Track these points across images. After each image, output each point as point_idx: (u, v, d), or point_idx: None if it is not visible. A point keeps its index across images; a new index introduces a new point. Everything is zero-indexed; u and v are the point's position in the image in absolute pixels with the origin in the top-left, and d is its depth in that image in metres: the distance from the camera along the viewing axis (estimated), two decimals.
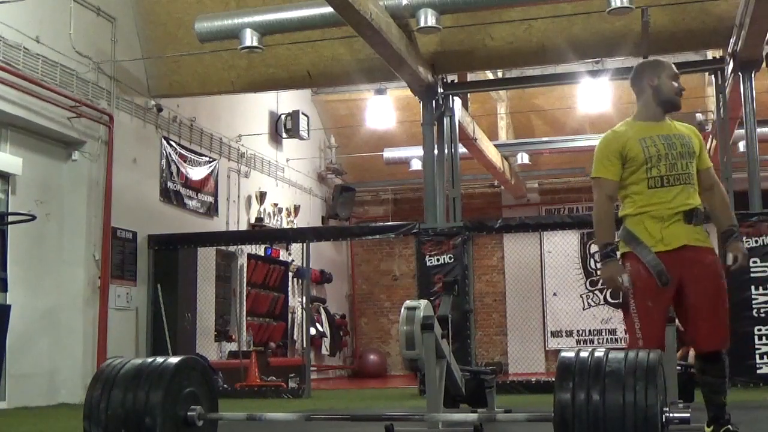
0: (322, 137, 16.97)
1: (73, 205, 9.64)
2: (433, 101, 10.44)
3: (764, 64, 9.57)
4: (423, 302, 5.07)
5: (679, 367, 6.14)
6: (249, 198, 13.80)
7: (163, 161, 11.32)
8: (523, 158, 15.71)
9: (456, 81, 11.32)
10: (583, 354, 3.05)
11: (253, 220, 13.75)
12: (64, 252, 9.52)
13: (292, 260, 14.38)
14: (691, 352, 10.84)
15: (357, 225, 15.60)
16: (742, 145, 11.48)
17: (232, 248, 12.85)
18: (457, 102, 11.17)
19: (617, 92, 14.34)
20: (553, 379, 3.02)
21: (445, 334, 5.30)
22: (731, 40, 9.48)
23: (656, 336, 3.91)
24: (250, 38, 8.99)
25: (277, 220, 14.49)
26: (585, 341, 16.14)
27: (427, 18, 8.47)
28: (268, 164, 14.61)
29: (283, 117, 14.85)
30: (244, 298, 13.23)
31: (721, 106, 10.10)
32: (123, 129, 10.37)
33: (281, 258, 14.38)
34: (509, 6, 9.23)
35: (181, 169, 11.70)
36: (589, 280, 16.25)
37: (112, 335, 9.66)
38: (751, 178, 9.55)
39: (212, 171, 12.60)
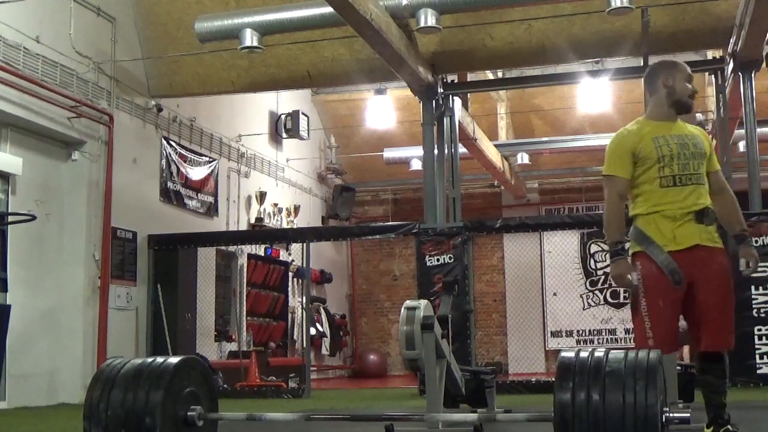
0: (322, 137, 16.98)
1: (73, 205, 9.64)
2: (433, 101, 10.44)
3: (764, 64, 9.57)
4: (423, 302, 5.06)
5: (679, 367, 6.13)
6: (249, 198, 13.80)
7: (163, 161, 11.33)
8: (523, 158, 15.72)
9: (456, 81, 11.33)
10: (583, 354, 3.05)
11: (253, 220, 13.76)
12: (64, 252, 9.52)
13: (292, 260, 14.38)
14: (685, 351, 10.86)
15: (357, 225, 15.60)
16: (742, 145, 11.48)
17: (232, 248, 12.85)
18: (457, 102, 11.17)
19: (617, 92, 14.35)
20: (553, 379, 3.02)
21: (445, 334, 5.29)
22: (731, 40, 9.48)
23: (668, 336, 3.92)
24: (250, 38, 8.99)
25: (277, 220, 14.49)
26: (585, 341, 16.14)
27: (427, 18, 8.47)
28: (268, 164, 14.61)
29: (283, 117, 14.85)
30: (244, 298, 13.23)
31: (721, 106, 10.10)
32: (123, 129, 10.37)
33: (281, 258, 14.38)
34: (509, 6, 9.23)
35: (181, 169, 11.70)
36: (589, 280, 16.25)
37: (112, 335, 9.66)
38: (751, 178, 9.55)
39: (212, 171, 12.60)
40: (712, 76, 10.45)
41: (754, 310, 9.01)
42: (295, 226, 14.57)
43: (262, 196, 13.93)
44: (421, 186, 10.86)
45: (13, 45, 8.71)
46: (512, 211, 16.59)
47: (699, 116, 12.90)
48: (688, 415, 3.08)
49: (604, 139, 13.78)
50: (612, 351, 3.07)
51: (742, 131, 10.29)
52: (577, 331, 16.30)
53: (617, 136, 4.11)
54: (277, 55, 10.48)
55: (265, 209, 14.00)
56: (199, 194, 12.20)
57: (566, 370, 2.98)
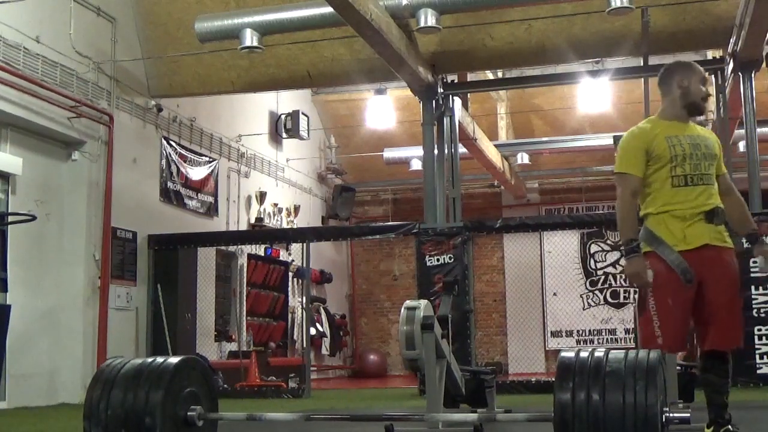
0: (322, 137, 16.97)
1: (73, 205, 9.64)
2: (433, 101, 10.44)
3: (764, 64, 9.57)
4: (423, 302, 5.06)
5: (679, 367, 6.13)
6: (249, 198, 13.80)
7: (163, 161, 11.33)
8: (523, 158, 15.71)
9: (456, 81, 11.33)
10: (583, 354, 3.05)
11: (253, 220, 13.75)
12: (64, 252, 9.52)
13: (292, 260, 14.37)
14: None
15: (357, 225, 15.60)
16: (742, 145, 11.48)
17: (232, 248, 12.85)
18: (457, 102, 11.17)
19: (617, 92, 14.35)
20: (553, 379, 3.02)
21: (445, 334, 5.29)
22: (731, 40, 9.48)
23: (677, 335, 3.92)
24: (250, 38, 8.99)
25: (277, 220, 14.49)
26: (585, 341, 16.14)
27: (427, 18, 8.47)
28: (268, 164, 14.61)
29: (283, 117, 14.85)
30: (244, 298, 13.22)
31: (721, 106, 10.10)
32: (123, 129, 10.37)
33: (281, 258, 14.38)
34: (509, 6, 9.23)
35: (181, 169, 11.70)
36: (589, 280, 16.25)
37: (112, 335, 9.66)
38: (751, 178, 9.54)
39: (212, 171, 12.60)
40: (712, 76, 10.44)
41: (754, 310, 9.02)
42: (295, 226, 14.56)
43: (262, 196, 13.93)
44: (421, 186, 10.85)
45: (13, 45, 8.70)
46: (512, 211, 16.58)
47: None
48: (688, 415, 3.09)
49: (604, 139, 14.01)
50: (612, 351, 3.07)
51: (742, 131, 10.29)
52: (577, 331, 16.30)
53: (630, 133, 4.11)
54: (277, 55, 10.48)
55: (265, 209, 14.00)
56: (199, 194, 12.20)
57: (566, 370, 2.99)
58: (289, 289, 14.60)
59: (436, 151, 10.47)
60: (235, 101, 13.28)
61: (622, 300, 15.91)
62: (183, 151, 11.79)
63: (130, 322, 10.35)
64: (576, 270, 16.24)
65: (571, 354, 3.07)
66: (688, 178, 3.96)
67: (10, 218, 7.99)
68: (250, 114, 14.07)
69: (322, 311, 16.14)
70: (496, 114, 16.02)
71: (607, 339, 16.03)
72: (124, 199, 10.25)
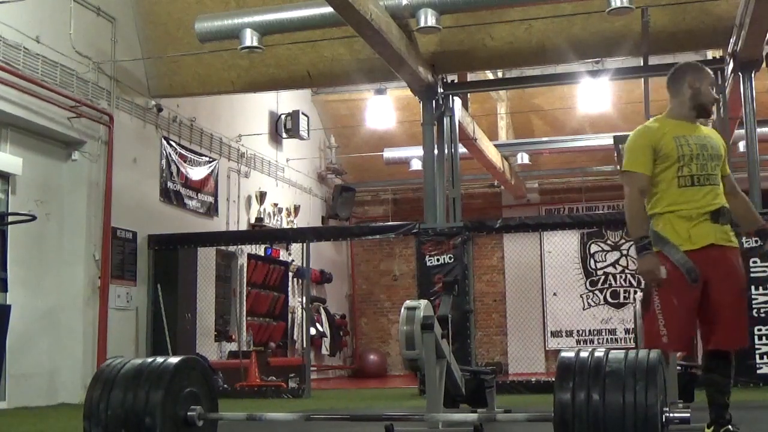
0: (322, 137, 16.98)
1: (73, 205, 9.64)
2: (433, 101, 10.44)
3: (764, 64, 9.56)
4: (423, 302, 5.06)
5: (679, 367, 6.13)
6: (249, 198, 13.80)
7: (163, 161, 11.33)
8: (523, 158, 15.71)
9: (456, 81, 11.32)
10: (583, 354, 3.05)
11: (253, 220, 13.75)
12: (64, 252, 9.52)
13: (292, 260, 14.37)
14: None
15: (357, 225, 15.60)
16: (742, 145, 11.47)
17: (232, 248, 12.85)
18: (457, 102, 11.17)
19: (617, 92, 14.35)
20: (553, 379, 3.02)
21: (445, 334, 5.29)
22: (731, 40, 9.47)
23: (682, 334, 3.93)
24: (250, 38, 8.99)
25: (277, 220, 14.49)
26: (585, 341, 16.14)
27: (427, 18, 8.47)
28: (268, 164, 14.61)
29: (283, 117, 14.85)
30: (244, 298, 13.22)
31: (721, 106, 10.09)
32: (123, 129, 10.37)
33: (281, 258, 14.38)
34: (509, 6, 9.23)
35: (181, 169, 11.70)
36: (589, 280, 16.25)
37: (112, 335, 9.66)
38: (751, 178, 9.54)
39: (212, 171, 12.60)
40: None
41: (754, 310, 9.01)
42: (295, 226, 14.57)
43: (262, 196, 13.93)
44: (421, 186, 10.85)
45: (13, 45, 8.70)
46: (512, 211, 16.58)
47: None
48: (688, 415, 3.09)
49: (604, 139, 14.01)
50: (612, 351, 3.07)
51: (742, 131, 10.29)
52: (577, 331, 16.30)
53: (638, 132, 4.12)
54: (277, 55, 10.48)
55: (265, 209, 14.00)
56: (199, 194, 12.20)
57: (566, 370, 2.99)
58: (289, 289, 14.61)
59: (436, 151, 10.47)
60: (235, 101, 13.28)
61: (622, 300, 15.91)
62: (183, 151, 11.79)
63: (130, 322, 10.35)
64: (576, 270, 16.24)
65: (571, 354, 3.07)
66: (694, 179, 3.97)
67: (10, 218, 7.99)
68: (250, 114, 14.07)
69: (322, 311, 16.14)
70: (496, 114, 16.02)
71: (607, 339, 16.03)
72: (124, 199, 10.25)
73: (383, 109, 15.51)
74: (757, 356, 9.01)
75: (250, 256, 13.44)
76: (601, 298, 16.17)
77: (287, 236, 12.93)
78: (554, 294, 16.41)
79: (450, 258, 9.85)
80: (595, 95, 14.10)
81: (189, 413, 3.50)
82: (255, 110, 14.22)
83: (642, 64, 10.40)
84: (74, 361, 9.34)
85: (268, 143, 14.73)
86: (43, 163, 9.41)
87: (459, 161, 10.97)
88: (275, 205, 14.50)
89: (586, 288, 16.26)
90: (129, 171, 10.46)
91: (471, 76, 12.32)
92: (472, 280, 10.48)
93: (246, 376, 10.71)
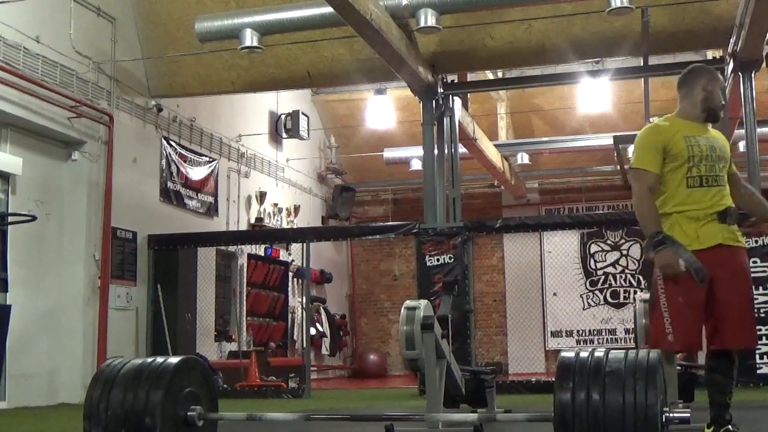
0: (322, 137, 16.98)
1: (73, 205, 9.64)
2: (433, 101, 10.44)
3: (764, 64, 9.56)
4: (423, 302, 5.06)
5: (679, 367, 6.13)
6: (249, 198, 13.80)
7: (163, 161, 11.33)
8: (523, 158, 15.72)
9: (456, 81, 11.32)
10: (583, 354, 3.05)
11: (253, 220, 13.76)
12: (64, 252, 9.52)
13: (292, 260, 14.37)
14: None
15: (357, 225, 15.61)
16: (742, 145, 11.47)
17: (232, 248, 12.85)
18: (457, 102, 11.17)
19: (617, 92, 14.35)
20: (553, 379, 3.02)
21: (445, 334, 5.29)
22: (731, 40, 9.47)
23: (689, 333, 3.93)
24: (250, 38, 8.99)
25: (277, 220, 14.49)
26: (585, 341, 16.14)
27: (427, 18, 8.47)
28: (268, 164, 14.61)
29: (283, 117, 14.85)
30: (244, 298, 13.23)
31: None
32: (123, 129, 10.37)
33: (281, 258, 14.38)
34: (509, 6, 9.23)
35: (181, 169, 11.70)
36: (589, 280, 16.25)
37: (112, 335, 9.66)
38: (751, 178, 9.53)
39: (212, 171, 12.60)
40: None
41: (755, 310, 9.00)
42: (295, 226, 14.57)
43: (262, 196, 13.93)
44: (421, 186, 10.85)
45: (13, 45, 8.70)
46: (512, 211, 16.58)
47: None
48: (688, 415, 3.09)
49: (604, 139, 14.02)
50: (612, 351, 3.07)
51: (742, 131, 10.29)
52: (577, 331, 16.30)
53: (647, 129, 4.13)
54: (277, 55, 10.48)
55: (265, 209, 14.00)
56: (199, 194, 12.20)
57: (566, 370, 2.99)
58: (289, 289, 14.60)
59: (436, 151, 10.47)
60: (235, 101, 13.29)
61: (622, 300, 15.91)
62: (183, 151, 11.79)
63: (130, 322, 10.35)
64: (576, 270, 16.24)
65: (571, 354, 3.07)
66: (703, 179, 3.99)
67: (10, 218, 7.98)
68: (250, 114, 14.07)
69: (322, 311, 16.14)
70: (496, 114, 16.02)
71: (607, 339, 16.04)
72: (124, 199, 10.25)
73: (383, 109, 15.51)
74: (757, 356, 8.99)
75: (250, 256, 13.44)
76: (601, 298, 16.17)
77: (287, 236, 12.94)
78: (554, 294, 16.41)
79: (450, 258, 9.85)
80: (595, 95, 14.10)
81: (189, 413, 3.50)
82: (255, 110, 14.23)
83: (642, 64, 10.40)
84: (74, 361, 9.34)
85: (268, 143, 14.73)
86: (43, 163, 9.41)
87: (459, 161, 10.98)
88: (275, 205, 14.50)
89: (586, 288, 16.26)
90: (129, 171, 10.46)
91: (471, 76, 12.32)
92: (472, 280, 10.48)
93: (246, 376, 10.71)
